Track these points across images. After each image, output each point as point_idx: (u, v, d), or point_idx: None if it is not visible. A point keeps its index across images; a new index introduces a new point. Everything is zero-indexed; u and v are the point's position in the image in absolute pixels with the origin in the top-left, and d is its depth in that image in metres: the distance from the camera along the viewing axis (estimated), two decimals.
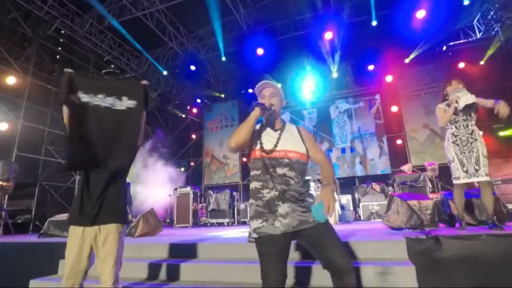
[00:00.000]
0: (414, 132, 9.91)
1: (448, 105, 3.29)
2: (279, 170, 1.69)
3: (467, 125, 3.18)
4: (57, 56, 10.17)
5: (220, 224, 8.18)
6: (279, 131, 1.83)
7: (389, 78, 10.49)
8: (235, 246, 3.34)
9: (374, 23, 8.67)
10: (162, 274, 3.07)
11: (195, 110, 13.34)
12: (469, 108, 3.15)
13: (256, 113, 1.70)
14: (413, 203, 3.62)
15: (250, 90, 12.18)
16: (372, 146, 10.49)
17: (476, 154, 3.08)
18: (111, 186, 1.87)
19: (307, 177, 1.91)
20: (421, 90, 10.03)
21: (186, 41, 10.16)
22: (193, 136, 13.40)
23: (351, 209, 7.67)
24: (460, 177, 3.14)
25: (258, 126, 1.85)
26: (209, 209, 8.44)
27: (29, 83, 8.41)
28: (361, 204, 7.51)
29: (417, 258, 2.63)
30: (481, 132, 3.22)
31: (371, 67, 10.40)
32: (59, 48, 9.98)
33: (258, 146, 1.77)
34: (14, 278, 3.26)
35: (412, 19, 8.52)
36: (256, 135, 1.80)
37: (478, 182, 3.15)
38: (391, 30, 9.06)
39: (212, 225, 8.25)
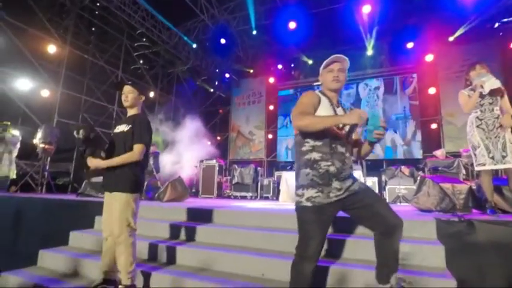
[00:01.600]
0: (451, 116, 9.29)
1: (472, 90, 3.16)
2: (339, 148, 1.74)
3: (492, 109, 3.03)
4: (93, 28, 10.46)
5: (244, 197, 8.37)
6: (341, 109, 1.87)
7: (429, 58, 9.74)
8: (258, 215, 3.43)
9: None
10: (186, 235, 3.23)
11: (223, 85, 13.35)
12: (494, 92, 3.01)
13: (348, 121, 1.56)
14: (446, 186, 3.46)
15: (279, 66, 11.91)
16: (404, 129, 10.03)
17: (503, 140, 2.95)
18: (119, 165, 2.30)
19: None
20: (465, 71, 9.26)
21: (218, 13, 10.00)
22: (221, 111, 13.51)
23: (377, 191, 7.50)
24: (485, 164, 3.00)
25: (323, 99, 1.81)
26: (233, 182, 8.63)
27: (67, 52, 8.77)
28: (387, 187, 7.28)
29: (446, 240, 2.54)
30: None
31: (410, 45, 9.70)
32: (95, 20, 10.24)
33: None
34: (56, 228, 3.59)
35: None
36: (329, 108, 1.79)
37: (506, 170, 3.01)
38: (436, 5, 8.32)
39: (236, 197, 8.47)
